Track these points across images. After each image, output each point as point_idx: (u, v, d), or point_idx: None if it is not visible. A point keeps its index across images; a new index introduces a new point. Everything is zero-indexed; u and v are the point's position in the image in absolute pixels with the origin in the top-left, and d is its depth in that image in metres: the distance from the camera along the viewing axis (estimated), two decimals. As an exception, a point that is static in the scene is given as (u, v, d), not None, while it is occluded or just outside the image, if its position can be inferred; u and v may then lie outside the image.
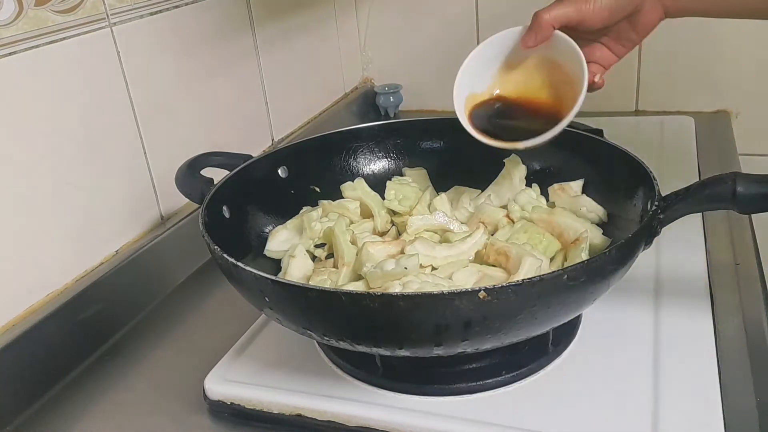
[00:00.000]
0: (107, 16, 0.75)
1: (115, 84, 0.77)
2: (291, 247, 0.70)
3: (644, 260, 0.65)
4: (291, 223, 0.74)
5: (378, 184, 0.80)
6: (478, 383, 0.58)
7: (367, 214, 0.76)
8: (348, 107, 1.31)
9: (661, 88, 1.23)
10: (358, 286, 0.61)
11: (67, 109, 0.71)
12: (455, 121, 0.69)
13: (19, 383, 0.64)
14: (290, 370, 0.62)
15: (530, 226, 0.68)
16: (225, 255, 0.55)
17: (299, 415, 0.58)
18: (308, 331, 0.54)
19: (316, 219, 0.72)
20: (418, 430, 0.55)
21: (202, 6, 0.89)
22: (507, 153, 0.78)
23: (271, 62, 1.06)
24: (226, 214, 0.68)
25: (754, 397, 0.55)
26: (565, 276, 0.49)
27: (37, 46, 0.67)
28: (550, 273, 0.50)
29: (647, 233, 0.58)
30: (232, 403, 0.60)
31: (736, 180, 0.57)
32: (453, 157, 0.81)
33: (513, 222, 0.70)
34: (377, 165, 0.82)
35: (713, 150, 1.06)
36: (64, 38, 0.70)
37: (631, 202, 0.66)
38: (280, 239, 0.72)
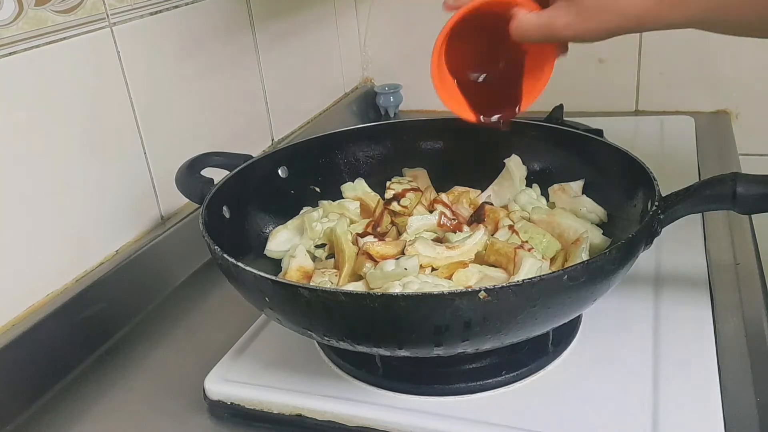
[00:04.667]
0: (107, 16, 0.75)
1: (115, 84, 0.77)
2: (291, 247, 0.70)
3: (644, 260, 0.65)
4: (291, 223, 0.74)
5: (378, 184, 0.80)
6: (478, 383, 0.58)
7: (367, 214, 0.76)
8: (348, 107, 1.31)
9: (661, 88, 1.23)
10: (358, 287, 0.61)
11: (67, 109, 0.71)
12: (455, 121, 0.69)
13: (19, 383, 0.64)
14: (290, 370, 0.62)
15: (530, 226, 0.68)
16: (225, 255, 0.55)
17: (299, 415, 0.58)
18: (308, 331, 0.54)
19: (316, 219, 0.72)
20: (418, 430, 0.55)
21: (202, 6, 0.89)
22: (507, 153, 0.78)
23: (271, 62, 1.06)
24: (226, 214, 0.68)
25: (754, 397, 0.55)
26: (566, 276, 0.49)
27: (37, 46, 0.67)
28: (550, 273, 0.50)
29: (647, 233, 0.58)
30: (232, 403, 0.60)
31: (736, 180, 0.57)
32: (453, 157, 0.82)
33: (513, 222, 0.70)
34: (377, 165, 0.82)
35: (713, 150, 1.06)
36: (64, 38, 0.70)
37: (631, 202, 0.66)
38: (281, 239, 0.72)
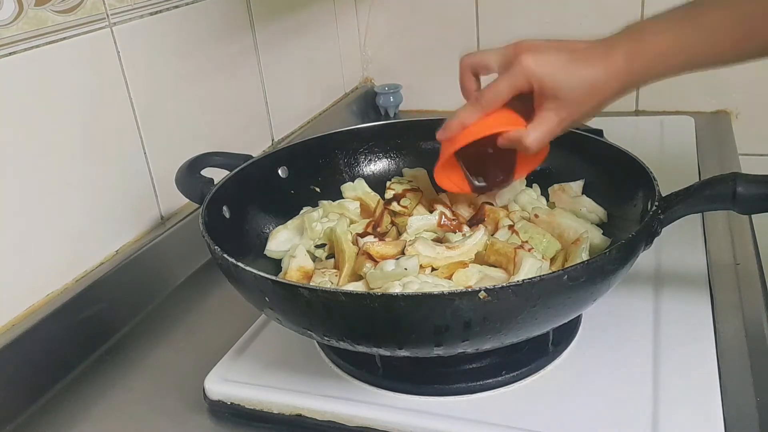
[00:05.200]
0: (107, 16, 0.75)
1: (115, 84, 0.77)
2: (291, 247, 0.70)
3: (644, 260, 0.65)
4: (291, 223, 0.74)
5: (378, 184, 0.80)
6: (478, 383, 0.58)
7: (367, 214, 0.76)
8: (348, 107, 1.31)
9: (661, 88, 1.21)
10: (358, 287, 0.61)
11: (67, 109, 0.71)
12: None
13: (19, 383, 0.64)
14: (290, 370, 0.62)
15: (530, 226, 0.68)
16: (225, 255, 0.55)
17: (299, 415, 0.58)
18: (308, 331, 0.54)
19: (316, 219, 0.72)
20: (418, 430, 0.55)
21: (202, 6, 0.89)
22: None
23: (271, 62, 1.06)
24: (226, 214, 0.68)
25: (754, 397, 0.55)
26: (566, 276, 0.49)
27: (37, 46, 0.67)
28: (550, 273, 0.50)
29: (647, 233, 0.58)
30: (232, 403, 0.60)
31: (736, 180, 0.57)
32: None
33: (513, 222, 0.70)
34: (377, 165, 0.82)
35: (713, 150, 1.06)
36: (64, 38, 0.70)
37: (631, 202, 0.66)
38: (281, 239, 0.72)
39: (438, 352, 0.52)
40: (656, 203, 0.58)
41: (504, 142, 0.63)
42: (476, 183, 0.71)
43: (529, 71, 0.59)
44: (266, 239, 0.72)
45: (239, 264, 0.54)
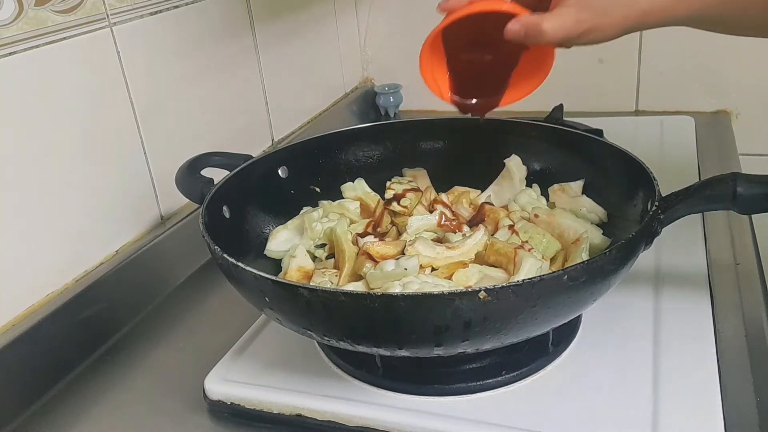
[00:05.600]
0: (107, 16, 0.75)
1: (115, 84, 0.77)
2: (292, 247, 0.70)
3: (644, 260, 0.65)
4: (291, 223, 0.74)
5: (378, 184, 0.80)
6: (478, 383, 0.58)
7: (367, 214, 0.76)
8: (348, 107, 1.31)
9: (661, 88, 1.23)
10: (358, 287, 0.61)
11: (67, 109, 0.71)
12: (455, 121, 0.69)
13: (20, 383, 0.64)
14: (290, 370, 0.62)
15: (530, 226, 0.68)
16: (225, 255, 0.55)
17: (299, 415, 0.58)
18: (308, 332, 0.54)
19: (317, 219, 0.72)
20: (418, 430, 0.55)
21: (202, 6, 0.89)
22: (507, 153, 0.78)
23: (271, 62, 1.06)
24: (226, 214, 0.68)
25: (754, 397, 0.55)
26: (566, 276, 0.49)
27: (37, 46, 0.67)
28: (550, 273, 0.50)
29: (647, 233, 0.58)
30: (232, 403, 0.60)
31: (736, 180, 0.57)
32: (453, 157, 0.82)
33: (513, 222, 0.70)
34: (377, 165, 0.82)
35: (713, 150, 1.06)
36: (64, 38, 0.70)
37: (631, 202, 0.66)
38: (281, 239, 0.72)
39: (438, 352, 0.52)
40: (656, 203, 0.58)
41: (516, 28, 0.57)
42: (457, 97, 0.65)
43: None
44: (266, 239, 0.73)
45: (239, 264, 0.54)
